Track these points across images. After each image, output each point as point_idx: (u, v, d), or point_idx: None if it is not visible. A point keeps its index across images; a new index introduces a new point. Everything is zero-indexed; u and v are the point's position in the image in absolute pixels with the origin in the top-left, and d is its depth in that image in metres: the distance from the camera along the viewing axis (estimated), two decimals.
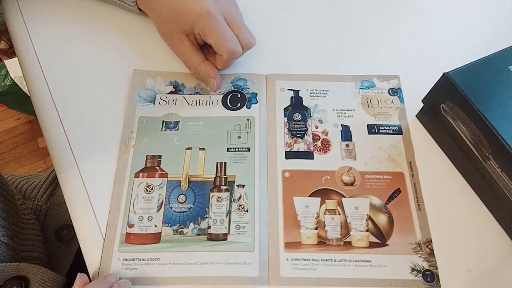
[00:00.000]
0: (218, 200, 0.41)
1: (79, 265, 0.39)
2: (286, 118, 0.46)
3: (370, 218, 0.40)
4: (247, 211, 0.40)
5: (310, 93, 0.47)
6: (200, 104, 0.46)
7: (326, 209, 0.41)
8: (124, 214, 0.40)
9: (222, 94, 0.47)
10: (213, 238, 0.39)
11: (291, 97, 0.47)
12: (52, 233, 0.54)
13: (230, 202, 0.41)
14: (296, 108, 0.46)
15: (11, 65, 1.17)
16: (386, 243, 0.39)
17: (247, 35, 0.44)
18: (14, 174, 0.60)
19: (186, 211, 0.40)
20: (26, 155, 1.36)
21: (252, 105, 0.46)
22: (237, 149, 0.43)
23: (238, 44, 0.43)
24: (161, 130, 0.44)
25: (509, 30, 0.52)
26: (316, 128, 0.45)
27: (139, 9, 0.48)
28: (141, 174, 0.42)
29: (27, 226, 0.48)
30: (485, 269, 0.38)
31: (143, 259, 0.38)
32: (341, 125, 0.45)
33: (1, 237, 0.42)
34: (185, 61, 0.46)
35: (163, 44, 0.48)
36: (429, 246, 0.39)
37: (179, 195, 0.41)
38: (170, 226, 0.40)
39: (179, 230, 0.40)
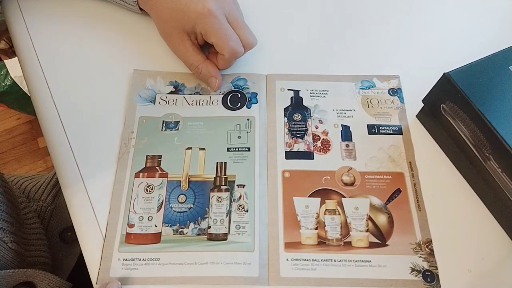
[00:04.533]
0: (218, 200, 0.41)
1: (82, 266, 0.39)
2: (286, 118, 0.46)
3: (370, 218, 0.40)
4: (247, 211, 0.40)
5: (310, 93, 0.47)
6: (200, 104, 0.46)
7: (326, 209, 0.41)
8: (124, 214, 0.40)
9: (222, 94, 0.47)
10: (213, 238, 0.39)
11: (291, 97, 0.47)
12: (57, 235, 0.54)
13: (230, 202, 0.41)
14: (296, 108, 0.46)
15: (11, 65, 1.18)
16: (386, 243, 0.39)
17: (248, 35, 0.44)
18: (15, 174, 0.59)
19: (186, 211, 0.40)
20: (26, 155, 1.37)
21: (252, 105, 0.46)
22: (237, 149, 0.43)
23: (240, 43, 0.43)
24: (161, 130, 0.44)
25: (509, 30, 0.52)
26: (316, 128, 0.45)
27: (140, 8, 0.48)
28: (141, 174, 0.42)
29: (32, 231, 0.48)
30: (485, 269, 0.38)
31: (143, 259, 0.38)
32: (341, 125, 0.45)
33: (9, 243, 0.42)
34: (186, 61, 0.46)
35: (163, 44, 0.48)
36: (429, 246, 0.39)
37: (179, 195, 0.41)
38: (170, 226, 0.40)
39: (179, 230, 0.40)
